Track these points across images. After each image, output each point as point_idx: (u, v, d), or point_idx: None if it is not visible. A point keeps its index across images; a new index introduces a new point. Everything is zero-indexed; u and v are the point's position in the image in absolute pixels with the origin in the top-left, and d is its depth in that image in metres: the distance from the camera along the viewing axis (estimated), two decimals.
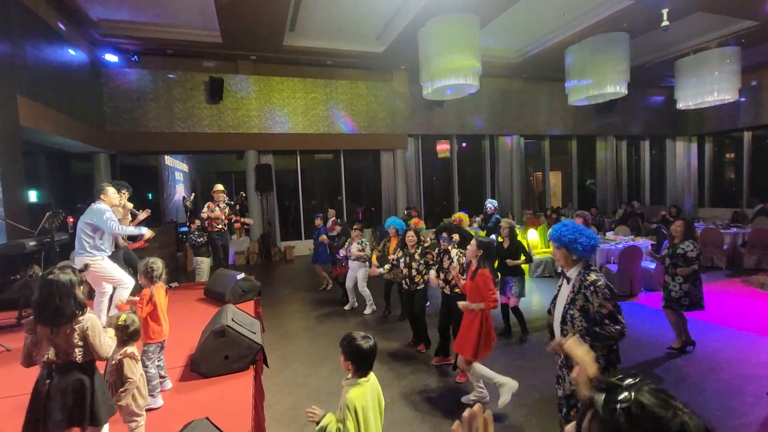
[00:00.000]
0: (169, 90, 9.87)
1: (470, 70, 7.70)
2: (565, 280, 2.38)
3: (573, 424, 0.73)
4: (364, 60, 10.81)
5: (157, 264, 2.76)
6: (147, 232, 4.21)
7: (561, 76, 10.25)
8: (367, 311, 5.97)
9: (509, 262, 4.74)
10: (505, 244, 4.93)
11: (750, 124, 13.00)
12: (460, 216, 6.22)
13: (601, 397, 0.66)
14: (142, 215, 4.69)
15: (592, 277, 2.21)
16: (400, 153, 11.93)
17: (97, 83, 8.95)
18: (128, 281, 3.89)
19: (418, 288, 4.52)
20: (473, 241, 3.46)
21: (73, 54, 7.78)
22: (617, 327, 2.13)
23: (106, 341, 1.87)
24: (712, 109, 12.69)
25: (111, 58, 9.05)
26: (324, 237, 6.76)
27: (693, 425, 0.59)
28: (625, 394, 0.64)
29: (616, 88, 9.17)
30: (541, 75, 12.55)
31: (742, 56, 10.02)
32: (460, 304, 3.38)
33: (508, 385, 3.21)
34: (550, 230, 2.46)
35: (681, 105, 10.87)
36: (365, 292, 5.92)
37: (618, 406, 0.63)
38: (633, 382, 0.67)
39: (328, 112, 11.21)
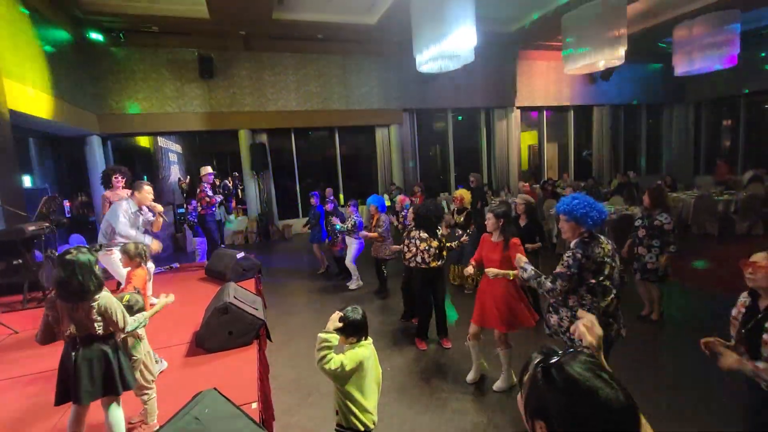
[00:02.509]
0: (158, 69, 9.65)
1: (465, 41, 7.53)
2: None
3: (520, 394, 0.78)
4: (355, 33, 10.53)
5: (146, 247, 3.09)
6: (155, 246, 4.05)
7: (557, 45, 10.06)
8: (353, 286, 6.12)
9: (529, 247, 4.25)
10: (522, 223, 4.56)
11: (748, 90, 12.89)
12: (462, 193, 5.86)
13: (537, 358, 0.72)
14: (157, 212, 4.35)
15: (580, 246, 2.34)
16: (395, 128, 11.82)
17: (83, 64, 8.73)
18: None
19: (410, 266, 4.55)
20: (490, 214, 3.31)
21: (57, 33, 7.56)
22: (549, 284, 2.34)
23: (126, 315, 1.97)
24: (711, 75, 12.52)
25: (96, 36, 8.79)
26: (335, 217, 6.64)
27: (606, 395, 0.61)
28: (556, 358, 0.69)
29: (614, 55, 9.02)
30: (538, 44, 12.30)
31: (741, 19, 9.80)
32: (490, 272, 3.04)
33: (511, 381, 3.31)
34: (556, 203, 2.55)
35: (679, 71, 10.72)
36: (351, 266, 6.06)
37: (542, 366, 0.68)
38: (571, 352, 0.71)
39: (321, 88, 11.03)
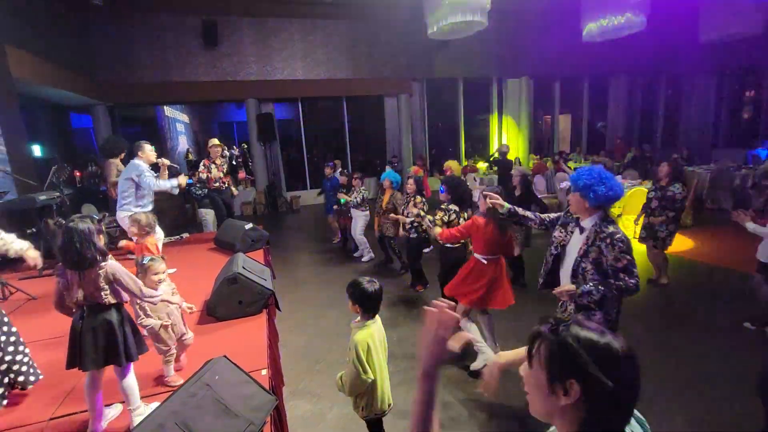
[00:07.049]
0: (161, 36, 9.42)
1: (478, 6, 7.19)
2: (578, 228, 2.32)
3: (525, 365, 0.86)
4: None
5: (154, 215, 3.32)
6: (182, 180, 4.43)
7: (575, 7, 9.56)
8: (365, 258, 6.13)
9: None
10: (517, 193, 4.78)
11: None
12: (450, 164, 6.11)
13: (547, 327, 0.81)
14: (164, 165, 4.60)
15: (610, 229, 2.14)
16: (404, 98, 11.54)
17: (84, 31, 8.54)
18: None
19: (411, 236, 4.61)
20: (480, 196, 3.32)
21: None
22: (632, 281, 2.09)
23: (137, 280, 1.99)
24: (736, 43, 11.87)
25: (96, 0, 8.52)
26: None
27: (617, 346, 0.75)
28: (564, 324, 0.80)
29: (635, 21, 8.56)
30: (554, 9, 11.70)
31: None
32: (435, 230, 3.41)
33: (488, 355, 3.12)
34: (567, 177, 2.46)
35: (704, 38, 10.17)
36: (361, 239, 6.04)
37: (564, 330, 0.78)
38: (574, 319, 0.82)
39: (329, 56, 10.72)
